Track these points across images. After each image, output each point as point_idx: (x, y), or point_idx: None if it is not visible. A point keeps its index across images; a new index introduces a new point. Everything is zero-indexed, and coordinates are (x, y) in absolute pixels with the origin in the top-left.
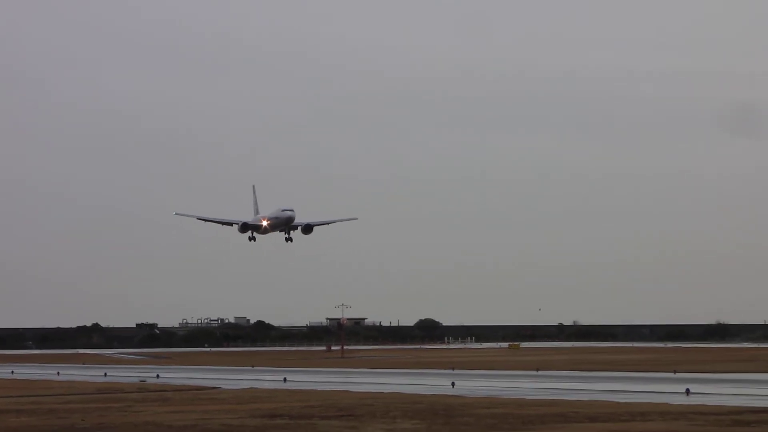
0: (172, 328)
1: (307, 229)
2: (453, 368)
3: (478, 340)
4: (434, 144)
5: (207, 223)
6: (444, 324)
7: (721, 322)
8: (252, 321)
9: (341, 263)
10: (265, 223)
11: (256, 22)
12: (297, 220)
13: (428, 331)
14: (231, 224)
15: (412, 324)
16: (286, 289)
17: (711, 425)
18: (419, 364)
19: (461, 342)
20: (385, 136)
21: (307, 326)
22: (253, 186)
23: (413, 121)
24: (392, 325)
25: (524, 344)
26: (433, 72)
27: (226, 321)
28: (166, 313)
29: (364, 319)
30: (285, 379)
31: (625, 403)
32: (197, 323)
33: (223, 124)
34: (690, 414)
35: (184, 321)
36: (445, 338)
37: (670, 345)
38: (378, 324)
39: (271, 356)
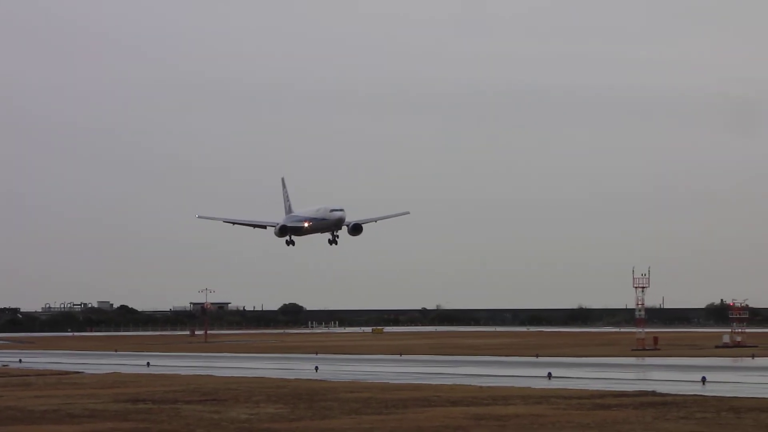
0: (35, 312)
1: (356, 229)
2: (317, 353)
3: (341, 325)
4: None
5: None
6: (307, 309)
7: (583, 306)
8: (115, 305)
9: (205, 247)
10: (306, 224)
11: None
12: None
13: (292, 315)
14: (264, 227)
15: (275, 309)
16: (149, 273)
17: (573, 408)
18: (283, 348)
19: (325, 327)
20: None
21: (170, 311)
22: (282, 179)
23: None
24: (256, 309)
25: (387, 329)
26: None
27: (89, 305)
28: (29, 298)
29: (227, 303)
30: (148, 364)
31: (488, 387)
32: (60, 308)
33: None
34: (552, 398)
35: (47, 305)
36: (309, 323)
37: (532, 329)
38: (242, 309)
39: (134, 341)
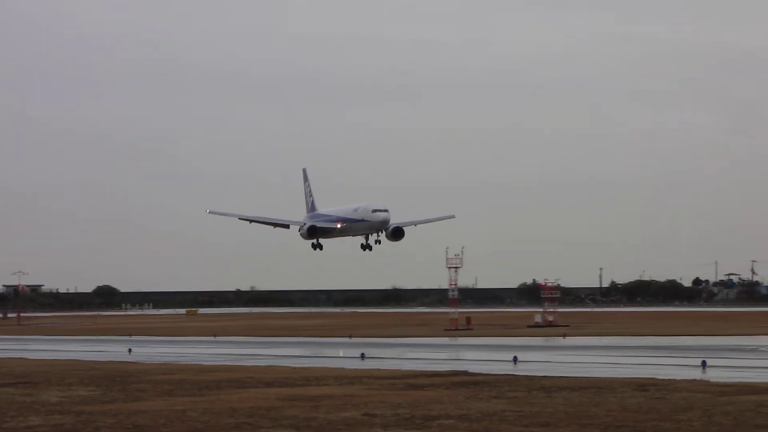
0: None
1: (397, 233)
2: (131, 335)
3: (156, 307)
4: None
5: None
6: (122, 291)
7: (397, 287)
8: None
9: (18, 229)
10: (339, 225)
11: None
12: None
13: (106, 298)
14: (287, 226)
15: (89, 291)
16: None
17: (385, 389)
18: (97, 331)
19: (139, 308)
20: None
21: None
22: (304, 170)
23: None
24: (70, 292)
25: (202, 310)
26: None
27: None
28: None
29: (41, 286)
30: None
31: (301, 367)
32: None
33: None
34: (365, 378)
35: None
36: (123, 305)
37: (347, 310)
38: (56, 291)
39: None
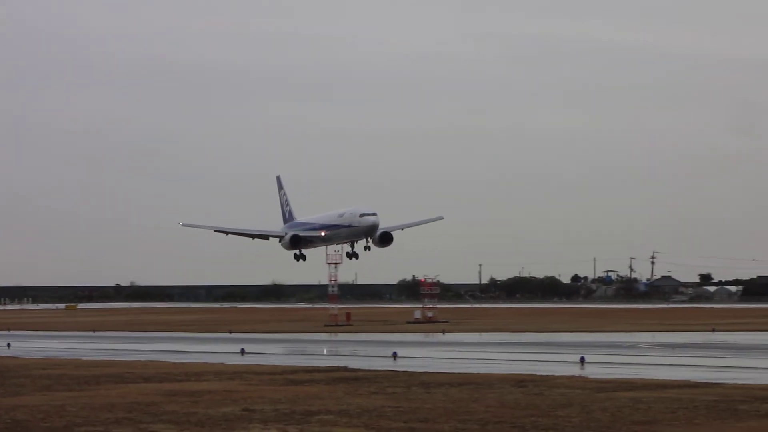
0: None
1: (385, 239)
2: (9, 329)
3: (35, 302)
4: None
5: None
6: (0, 285)
7: (277, 282)
8: None
9: None
10: (324, 233)
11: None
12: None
13: None
14: (267, 237)
15: None
16: None
17: (265, 384)
18: None
19: (18, 303)
20: None
21: None
22: (278, 177)
23: None
24: None
25: (81, 305)
26: None
27: None
28: None
29: None
30: None
31: (181, 363)
32: None
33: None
34: (244, 373)
35: None
36: (1, 300)
37: (227, 305)
38: None
39: None
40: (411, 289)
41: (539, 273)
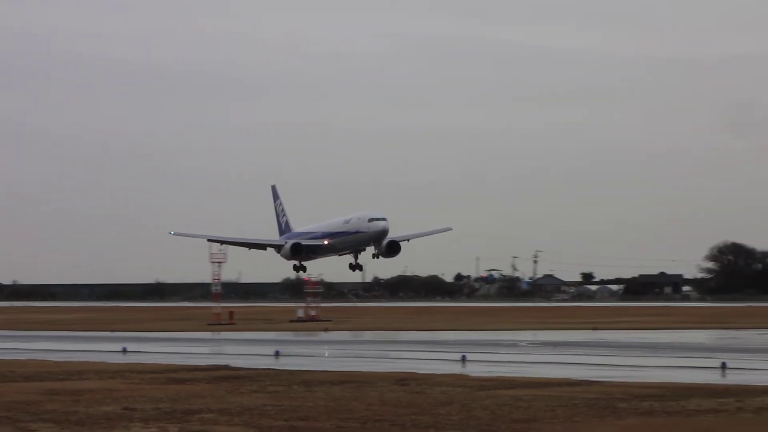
0: None
1: (393, 248)
2: None
3: None
4: None
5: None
6: None
7: (160, 281)
8: None
9: None
10: (327, 242)
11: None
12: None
13: None
14: (264, 247)
15: None
16: None
17: (146, 383)
18: None
19: None
20: None
21: None
22: (273, 187)
23: None
24: None
25: None
26: None
27: None
28: None
29: None
30: None
31: (63, 362)
32: None
33: None
34: (126, 372)
35: None
36: None
37: (109, 304)
38: None
39: None
40: (295, 288)
41: (423, 272)
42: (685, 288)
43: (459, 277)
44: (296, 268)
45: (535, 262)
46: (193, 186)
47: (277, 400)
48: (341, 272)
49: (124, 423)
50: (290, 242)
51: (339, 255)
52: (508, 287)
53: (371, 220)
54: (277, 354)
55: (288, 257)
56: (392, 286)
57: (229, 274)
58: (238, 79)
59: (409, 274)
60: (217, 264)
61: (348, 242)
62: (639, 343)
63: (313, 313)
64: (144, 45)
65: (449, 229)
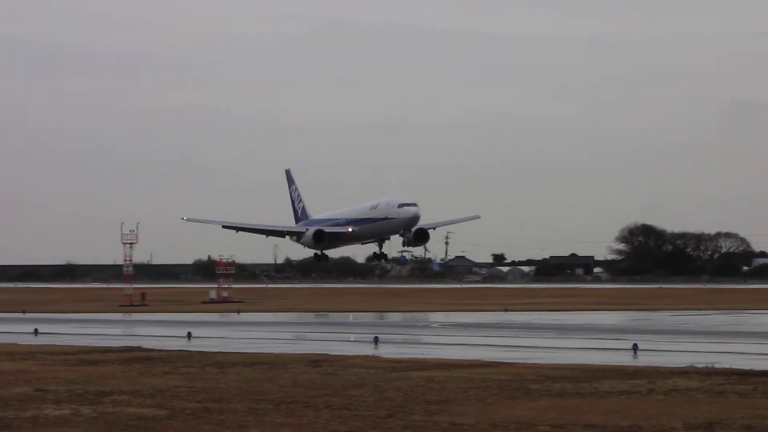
0: None
1: (422, 236)
2: None
3: None
4: None
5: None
6: None
7: (71, 262)
8: None
9: None
10: (351, 229)
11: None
12: None
13: None
14: (283, 234)
15: None
16: None
17: (59, 364)
18: None
19: None
20: None
21: None
22: (288, 171)
23: None
24: None
25: None
26: None
27: None
28: None
29: None
30: None
31: None
32: None
33: None
34: (38, 354)
35: None
36: None
37: (21, 285)
38: None
39: None
40: (207, 269)
41: (335, 254)
42: (597, 269)
43: (371, 258)
44: (317, 257)
45: (447, 243)
46: (99, 168)
47: (190, 381)
48: (254, 254)
49: (36, 404)
50: (312, 229)
51: (362, 243)
52: (420, 269)
53: (401, 205)
54: (189, 335)
55: (310, 245)
56: (305, 268)
57: (141, 256)
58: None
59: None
60: (128, 245)
61: (375, 229)
62: (551, 325)
63: (225, 294)
64: (40, 24)
65: (477, 217)
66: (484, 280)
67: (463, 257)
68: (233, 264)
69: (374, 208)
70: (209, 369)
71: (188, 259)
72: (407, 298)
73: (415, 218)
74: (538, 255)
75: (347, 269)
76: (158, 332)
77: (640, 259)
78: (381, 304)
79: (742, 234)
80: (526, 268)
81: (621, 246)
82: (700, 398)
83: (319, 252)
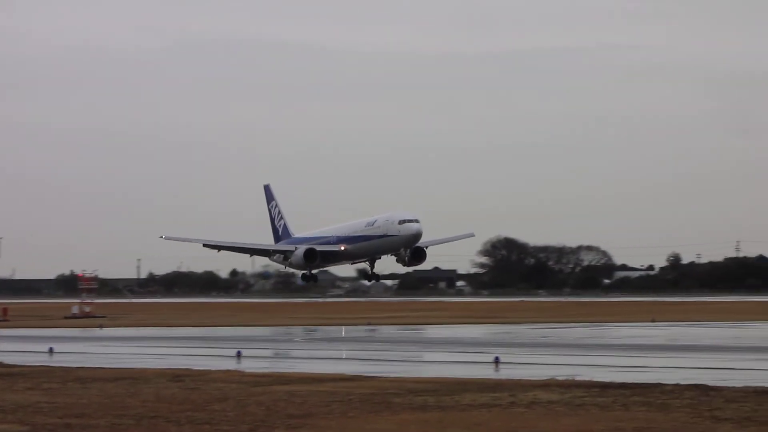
0: None
1: (419, 255)
2: None
3: None
4: None
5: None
6: None
7: None
8: None
9: None
10: (343, 248)
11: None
12: None
13: None
14: (269, 253)
15: None
16: None
17: None
18: None
19: None
20: None
21: None
22: (267, 186)
23: None
24: None
25: None
26: None
27: None
28: None
29: None
30: None
31: None
32: None
33: None
34: None
35: None
36: None
37: None
38: None
39: None
40: (69, 284)
41: (198, 268)
42: (459, 283)
43: (234, 272)
44: (306, 278)
45: None
46: None
47: (52, 397)
48: (117, 268)
49: None
50: (303, 248)
51: (352, 263)
52: (284, 282)
53: (402, 221)
54: (51, 351)
55: (299, 265)
56: (168, 282)
57: (3, 271)
58: None
59: (184, 270)
60: None
61: (371, 248)
62: (413, 338)
63: (87, 309)
64: None
65: (472, 235)
66: (348, 293)
67: (326, 271)
68: (96, 279)
69: (371, 224)
70: (71, 384)
71: (51, 274)
72: (270, 312)
73: (417, 236)
74: (401, 269)
75: (210, 283)
76: (19, 347)
77: (502, 273)
78: (244, 319)
79: (603, 247)
80: (389, 282)
81: (483, 259)
82: (561, 411)
83: (307, 272)
